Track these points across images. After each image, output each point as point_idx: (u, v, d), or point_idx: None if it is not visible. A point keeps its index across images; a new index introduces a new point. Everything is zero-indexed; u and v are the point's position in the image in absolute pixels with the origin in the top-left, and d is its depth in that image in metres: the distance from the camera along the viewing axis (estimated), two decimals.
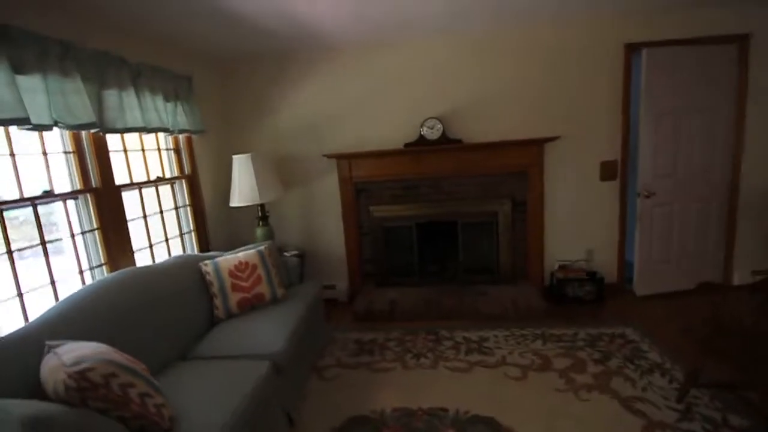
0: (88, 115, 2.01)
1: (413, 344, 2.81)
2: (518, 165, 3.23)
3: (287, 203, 3.59)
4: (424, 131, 3.20)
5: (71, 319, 1.64)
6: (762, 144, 3.07)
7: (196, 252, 3.13)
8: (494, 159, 3.21)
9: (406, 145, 3.28)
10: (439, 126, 3.16)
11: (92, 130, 2.07)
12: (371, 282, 3.64)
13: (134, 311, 1.89)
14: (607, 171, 3.22)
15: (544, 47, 3.12)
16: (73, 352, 1.35)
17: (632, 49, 3.01)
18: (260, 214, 3.29)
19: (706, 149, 3.11)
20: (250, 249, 2.69)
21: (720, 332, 1.93)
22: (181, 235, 3.02)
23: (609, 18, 3.00)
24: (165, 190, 2.92)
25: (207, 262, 2.46)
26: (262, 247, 2.67)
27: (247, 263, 2.50)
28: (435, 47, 3.22)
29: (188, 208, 3.09)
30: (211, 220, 3.29)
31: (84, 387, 1.22)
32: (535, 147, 3.17)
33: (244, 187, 3.08)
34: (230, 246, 3.40)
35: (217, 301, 2.36)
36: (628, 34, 3.00)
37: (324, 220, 3.63)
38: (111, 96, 2.22)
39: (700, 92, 3.02)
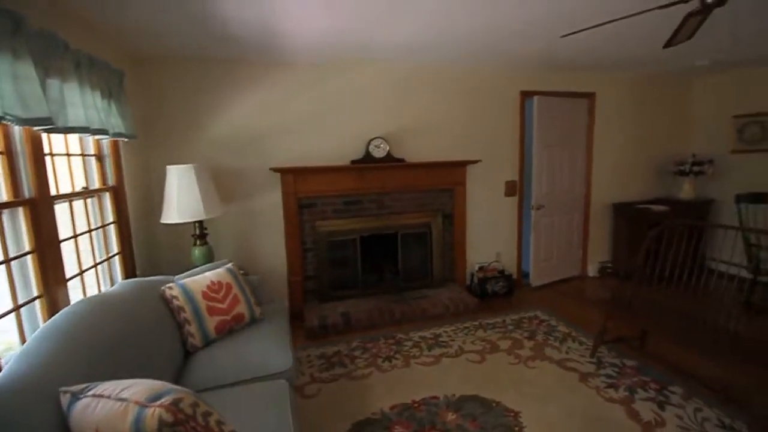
0: (41, 107, 1.62)
1: (378, 350, 2.97)
2: (448, 183, 3.77)
3: (223, 220, 3.31)
4: (372, 149, 3.45)
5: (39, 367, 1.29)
6: (601, 171, 4.35)
7: (120, 279, 2.63)
8: (430, 177, 3.68)
9: (354, 161, 3.47)
10: (385, 145, 3.47)
11: (43, 127, 1.66)
12: (313, 299, 3.62)
13: (110, 352, 1.55)
14: (510, 189, 4.05)
15: (468, 87, 3.80)
16: (127, 389, 1.14)
17: (526, 95, 3.94)
18: (198, 231, 2.97)
19: (571, 174, 4.24)
20: (215, 268, 2.45)
21: (616, 302, 2.72)
22: (108, 258, 2.51)
23: (509, 71, 3.86)
24: (89, 204, 2.41)
25: (171, 285, 2.16)
26: (229, 265, 2.47)
27: (220, 283, 2.29)
28: (386, 72, 3.55)
29: (113, 227, 2.59)
30: (137, 241, 2.81)
31: (180, 420, 1.06)
32: (460, 168, 3.77)
33: (184, 201, 2.76)
34: (157, 270, 2.96)
35: (191, 328, 2.09)
36: (522, 84, 3.91)
37: (264, 236, 3.48)
38: (53, 87, 1.81)
39: (568, 132, 4.14)
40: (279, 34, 2.64)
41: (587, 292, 4.05)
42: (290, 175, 3.37)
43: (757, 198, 3.70)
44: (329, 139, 3.49)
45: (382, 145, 3.46)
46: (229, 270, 2.41)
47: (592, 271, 4.44)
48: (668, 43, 2.36)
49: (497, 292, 3.89)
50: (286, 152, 3.42)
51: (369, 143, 3.45)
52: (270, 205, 3.44)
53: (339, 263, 3.68)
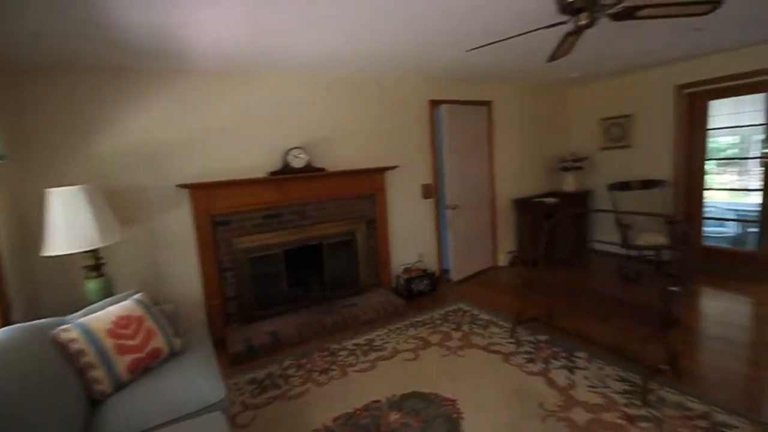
0: None
1: (313, 364, 2.89)
2: (368, 189, 3.85)
3: (124, 246, 2.93)
4: (290, 159, 3.37)
5: None
6: (503, 170, 4.84)
7: None
8: (351, 185, 3.72)
9: (272, 173, 3.35)
10: (305, 155, 3.42)
11: None
12: (236, 321, 3.40)
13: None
14: (426, 191, 4.28)
15: (383, 96, 3.94)
16: None
17: (435, 104, 4.20)
18: (93, 262, 2.59)
19: (479, 175, 4.63)
20: (120, 301, 2.16)
21: (526, 287, 3.03)
22: None
23: (417, 81, 4.09)
24: None
25: (66, 327, 1.85)
26: (137, 296, 2.20)
27: (129, 317, 2.03)
28: (303, 81, 3.51)
29: None
30: (11, 280, 2.34)
31: None
32: (379, 174, 3.87)
33: (73, 228, 2.38)
34: (40, 313, 2.51)
35: (97, 373, 1.82)
36: (430, 93, 4.18)
37: (175, 260, 3.16)
38: None
39: (473, 137, 4.52)
40: (182, 40, 2.45)
41: (501, 281, 4.44)
42: (201, 191, 3.12)
43: (623, 186, 4.45)
44: (244, 150, 3.33)
45: (301, 155, 3.41)
46: (138, 301, 2.15)
47: (502, 261, 4.89)
48: (551, 58, 2.74)
49: (422, 291, 4.06)
50: (196, 166, 3.16)
51: (287, 153, 3.37)
52: (179, 225, 3.15)
53: (263, 280, 3.50)
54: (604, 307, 2.57)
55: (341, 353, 3.02)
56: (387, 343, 3.13)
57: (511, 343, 2.97)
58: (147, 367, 1.99)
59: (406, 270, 4.12)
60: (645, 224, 4.30)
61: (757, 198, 4.00)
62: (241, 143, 3.31)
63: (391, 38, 2.73)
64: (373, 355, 2.94)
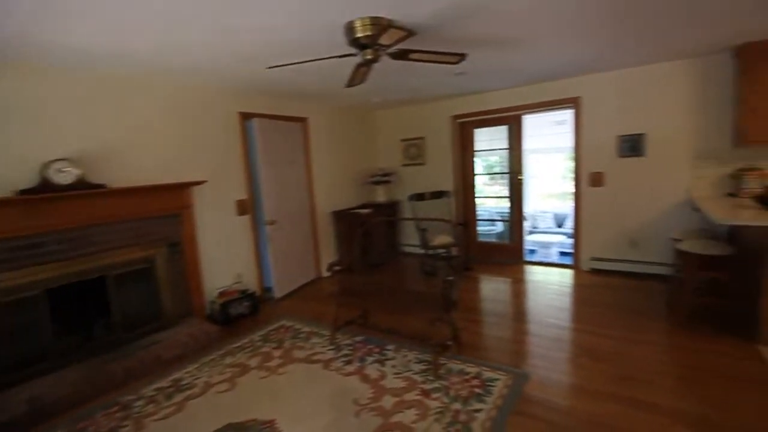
0: None
1: (96, 427, 2.33)
2: (171, 207, 3.39)
3: None
4: (51, 174, 2.67)
5: None
6: (321, 184, 5.02)
7: None
8: (147, 203, 3.20)
9: (23, 191, 2.59)
10: (74, 168, 2.76)
11: None
12: None
13: None
14: (241, 207, 4.06)
15: (187, 104, 3.58)
16: None
17: (246, 117, 4.05)
18: None
19: (298, 189, 4.68)
20: None
21: (342, 293, 3.20)
22: None
23: (225, 92, 3.87)
24: None
25: None
26: None
27: None
28: (74, 82, 2.84)
29: None
30: None
31: None
32: (185, 190, 3.47)
33: None
34: None
35: None
36: (240, 105, 4.01)
37: None
38: None
39: (289, 151, 4.54)
40: None
41: (324, 291, 4.58)
42: None
43: (419, 197, 5.23)
44: None
45: (67, 169, 2.74)
46: None
47: (326, 271, 5.06)
48: (348, 84, 3.02)
49: (242, 314, 3.82)
50: None
51: (47, 167, 2.66)
52: None
53: (14, 333, 2.64)
54: (403, 300, 2.95)
55: (137, 404, 2.53)
56: (198, 378, 2.80)
57: (331, 349, 3.08)
58: None
59: (222, 293, 3.80)
60: (437, 228, 5.16)
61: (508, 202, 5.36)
62: None
63: (202, 39, 2.51)
64: (179, 397, 2.58)
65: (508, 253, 5.41)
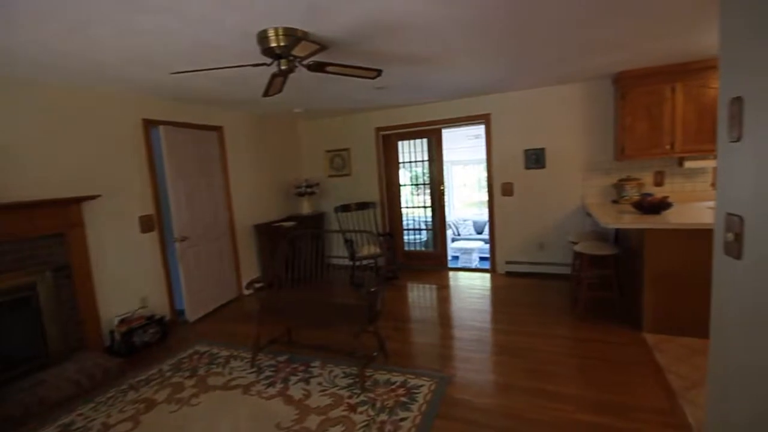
0: None
1: None
2: (56, 226, 2.94)
3: None
4: None
5: None
6: (241, 197, 4.75)
7: None
8: (22, 223, 2.74)
9: None
10: None
11: None
12: None
13: None
14: (146, 224, 3.68)
15: (87, 109, 3.19)
16: None
17: (151, 124, 3.69)
18: None
19: (213, 202, 4.37)
20: None
21: (264, 311, 3.04)
22: None
23: (127, 96, 3.49)
24: None
25: None
26: None
27: None
28: None
29: None
30: None
31: None
32: (73, 206, 3.04)
33: None
34: None
35: None
36: (144, 111, 3.64)
37: None
38: None
39: (203, 162, 4.23)
40: None
41: (245, 310, 4.32)
42: None
43: (346, 208, 5.22)
44: None
45: None
46: None
47: (247, 289, 4.77)
48: (265, 94, 2.91)
49: (149, 342, 3.43)
50: None
51: None
52: None
53: None
54: (328, 314, 2.89)
55: None
56: (93, 420, 2.43)
57: (252, 372, 2.89)
58: None
59: (124, 321, 3.38)
60: (364, 239, 5.18)
61: (429, 212, 5.57)
62: None
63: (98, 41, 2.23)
64: None
65: (433, 260, 5.61)
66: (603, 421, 2.17)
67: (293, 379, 2.76)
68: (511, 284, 4.61)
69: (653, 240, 2.97)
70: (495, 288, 4.58)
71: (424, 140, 5.47)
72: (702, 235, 2.88)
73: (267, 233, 4.95)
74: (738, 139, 1.59)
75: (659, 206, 3.31)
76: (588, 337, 3.15)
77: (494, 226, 5.01)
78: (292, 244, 3.77)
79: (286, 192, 5.66)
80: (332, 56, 2.70)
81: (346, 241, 4.89)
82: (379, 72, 2.64)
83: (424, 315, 3.98)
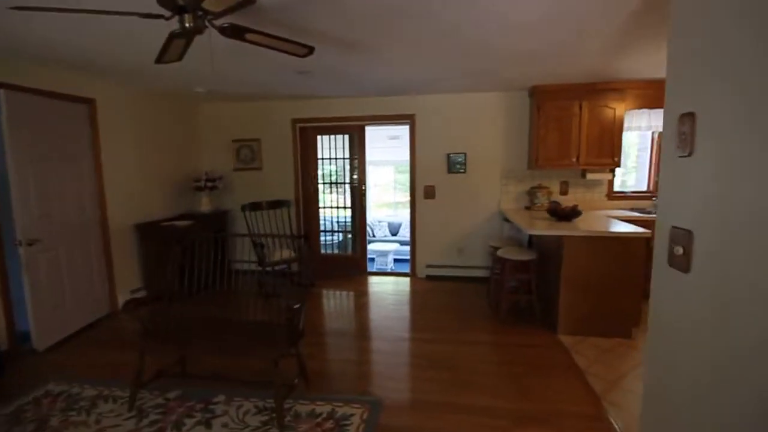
0: None
1: None
2: None
3: None
4: None
5: None
6: (118, 189, 3.82)
7: None
8: None
9: None
10: None
11: None
12: None
13: None
14: None
15: None
16: None
17: None
18: None
19: (79, 195, 3.41)
20: None
21: (148, 333, 2.38)
22: None
23: None
24: None
25: None
26: None
27: None
28: None
29: None
30: None
31: None
32: None
33: None
34: None
35: None
36: None
37: None
38: None
39: (66, 142, 3.26)
40: None
41: (122, 331, 3.46)
42: None
43: (255, 206, 4.60)
44: None
45: None
46: None
47: (122, 302, 3.87)
48: (158, 59, 2.27)
49: None
50: None
51: None
52: None
53: None
54: (236, 336, 2.38)
55: None
56: None
57: (131, 417, 2.23)
58: None
59: None
60: (276, 242, 4.64)
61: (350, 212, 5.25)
62: None
63: None
64: None
65: (352, 264, 5.31)
66: None
67: (189, 422, 2.19)
68: (432, 288, 4.55)
69: (570, 246, 3.10)
70: (416, 293, 4.46)
71: (346, 136, 5.13)
72: (611, 243, 3.09)
73: (154, 234, 4.09)
74: (689, 154, 1.59)
75: (571, 214, 3.51)
76: (511, 341, 3.17)
77: (415, 229, 4.91)
78: (186, 248, 3.12)
79: (181, 186, 4.80)
80: (252, 23, 2.21)
81: (256, 244, 4.30)
82: (311, 49, 2.24)
83: (345, 327, 3.65)
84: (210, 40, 2.25)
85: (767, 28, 1.20)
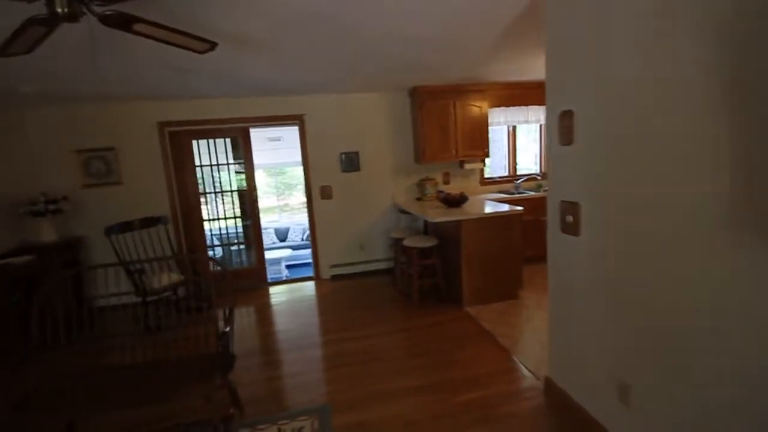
0: None
1: None
2: None
3: None
4: None
5: None
6: None
7: None
8: None
9: None
10: None
11: None
12: None
13: None
14: None
15: None
16: None
17: None
18: None
19: None
20: None
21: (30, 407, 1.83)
22: None
23: None
24: None
25: None
26: None
27: None
28: None
29: None
30: None
31: None
32: None
33: None
34: None
35: None
36: None
37: None
38: None
39: None
40: None
41: None
42: None
43: (125, 227, 3.87)
44: None
45: None
46: None
47: None
48: (2, 51, 1.75)
49: None
50: None
51: None
52: None
53: None
54: (155, 380, 2.02)
55: None
56: None
57: None
58: None
59: None
60: (157, 265, 4.00)
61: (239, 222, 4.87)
62: None
63: None
64: None
65: (252, 277, 4.93)
66: (476, 395, 2.39)
67: None
68: (340, 288, 4.58)
69: (468, 228, 3.53)
70: (326, 295, 4.44)
71: (228, 140, 4.72)
72: (497, 221, 3.63)
73: None
74: (569, 143, 2.03)
75: (460, 200, 3.99)
76: (426, 322, 3.45)
77: (315, 231, 4.85)
78: (31, 291, 2.50)
79: (11, 212, 3.72)
80: (133, 11, 1.88)
81: (132, 271, 3.65)
82: (213, 45, 2.03)
83: (263, 344, 3.42)
84: (90, 30, 1.83)
85: (616, 44, 1.68)
